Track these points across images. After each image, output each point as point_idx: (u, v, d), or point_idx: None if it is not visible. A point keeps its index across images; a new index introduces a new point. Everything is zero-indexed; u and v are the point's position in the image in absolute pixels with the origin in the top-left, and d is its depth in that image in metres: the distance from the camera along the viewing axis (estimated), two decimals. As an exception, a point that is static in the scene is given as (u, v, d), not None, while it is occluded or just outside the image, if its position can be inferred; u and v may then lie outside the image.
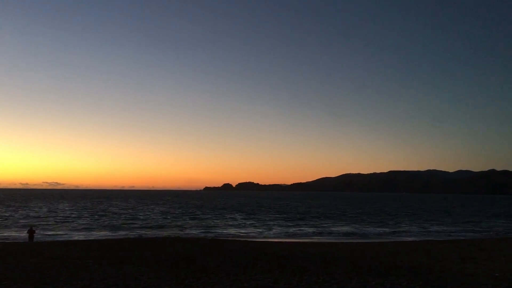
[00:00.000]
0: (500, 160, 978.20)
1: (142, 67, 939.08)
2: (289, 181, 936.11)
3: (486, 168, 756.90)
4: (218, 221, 51.03)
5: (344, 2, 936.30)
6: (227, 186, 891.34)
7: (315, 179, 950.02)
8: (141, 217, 56.28)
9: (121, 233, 37.05)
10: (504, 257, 21.24)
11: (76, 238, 33.16)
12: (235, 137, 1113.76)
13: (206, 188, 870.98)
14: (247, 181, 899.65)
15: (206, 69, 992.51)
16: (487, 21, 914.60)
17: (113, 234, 36.53)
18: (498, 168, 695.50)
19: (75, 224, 45.21)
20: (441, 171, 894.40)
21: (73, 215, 58.39)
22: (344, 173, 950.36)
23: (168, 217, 56.66)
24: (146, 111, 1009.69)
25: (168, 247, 24.18)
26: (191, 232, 38.45)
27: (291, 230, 41.68)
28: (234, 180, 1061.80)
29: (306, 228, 43.07)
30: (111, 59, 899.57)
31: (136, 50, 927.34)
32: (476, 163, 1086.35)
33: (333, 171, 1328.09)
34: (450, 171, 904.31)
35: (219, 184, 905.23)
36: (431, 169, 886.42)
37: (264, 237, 35.50)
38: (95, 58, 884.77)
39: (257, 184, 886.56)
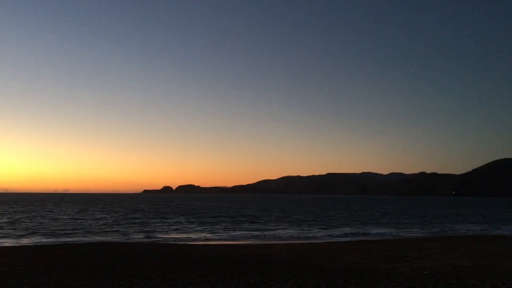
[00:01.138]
0: (429, 163, 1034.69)
1: (82, 64, 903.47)
2: (230, 184, 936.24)
3: (416, 171, 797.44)
4: (158, 224, 49.98)
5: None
6: (167, 189, 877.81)
7: (255, 181, 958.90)
8: (76, 222, 53.95)
9: (54, 239, 35.28)
10: (433, 255, 22.42)
11: (3, 245, 31.17)
12: (175, 139, 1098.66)
13: (145, 191, 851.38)
14: (188, 183, 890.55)
15: (142, 68, 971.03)
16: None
17: (45, 240, 34.69)
18: (428, 171, 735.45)
19: (2, 230, 42.52)
20: (375, 173, 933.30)
21: (0, 221, 54.94)
22: (284, 175, 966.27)
23: (106, 221, 54.70)
24: (79, 109, 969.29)
25: (102, 253, 23.33)
26: (130, 236, 37.32)
27: (233, 233, 41.59)
28: (174, 183, 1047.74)
29: (247, 232, 43.12)
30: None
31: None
32: (408, 166, 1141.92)
33: (274, 174, 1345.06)
34: (384, 173, 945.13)
35: (158, 187, 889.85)
36: (366, 171, 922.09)
37: (205, 240, 35.17)
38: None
39: (198, 186, 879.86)
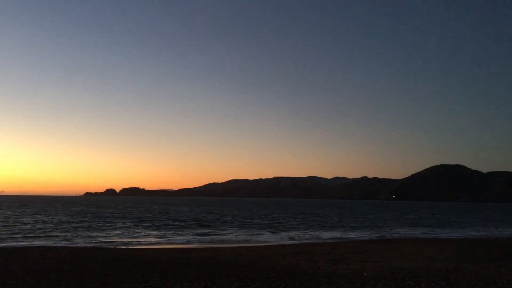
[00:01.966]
0: (371, 168, 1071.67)
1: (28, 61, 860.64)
2: (176, 187, 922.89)
3: (359, 175, 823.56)
4: (100, 228, 48.35)
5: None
6: (110, 192, 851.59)
7: (203, 184, 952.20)
8: (12, 225, 51.13)
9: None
10: (373, 257, 23.17)
11: None
12: (119, 140, 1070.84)
13: (87, 194, 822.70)
14: (132, 186, 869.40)
15: (78, 67, 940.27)
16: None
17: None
18: (370, 176, 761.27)
19: None
20: (320, 177, 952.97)
21: None
22: (231, 178, 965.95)
23: (45, 225, 52.22)
24: (15, 108, 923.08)
25: (39, 258, 22.23)
26: (70, 241, 35.84)
27: (179, 236, 40.96)
28: (118, 185, 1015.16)
29: (194, 236, 42.64)
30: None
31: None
32: (351, 171, 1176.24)
33: (221, 177, 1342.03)
34: (328, 177, 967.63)
35: (101, 189, 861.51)
36: (312, 175, 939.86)
37: (149, 244, 34.40)
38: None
39: (143, 189, 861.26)
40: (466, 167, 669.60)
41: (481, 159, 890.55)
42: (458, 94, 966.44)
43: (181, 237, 40.37)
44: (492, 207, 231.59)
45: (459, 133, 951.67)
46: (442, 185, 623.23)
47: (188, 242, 36.25)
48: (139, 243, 34.76)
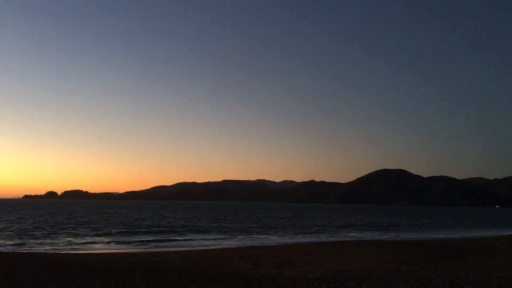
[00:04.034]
0: (318, 172, 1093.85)
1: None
2: (121, 189, 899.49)
3: (307, 178, 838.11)
4: (38, 232, 46.14)
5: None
6: (51, 194, 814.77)
7: (149, 187, 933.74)
8: None
9: None
10: (318, 260, 23.57)
11: None
12: (60, 140, 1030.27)
13: (26, 197, 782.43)
14: (75, 189, 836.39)
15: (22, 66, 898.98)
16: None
17: None
18: (317, 179, 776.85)
19: None
20: (269, 180, 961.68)
21: None
22: (179, 181, 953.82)
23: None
24: None
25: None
26: (5, 246, 33.89)
27: (124, 242, 39.78)
28: (60, 187, 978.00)
29: (140, 241, 41.59)
30: None
31: None
32: (299, 175, 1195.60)
33: (169, 180, 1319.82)
34: (277, 181, 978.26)
35: (41, 192, 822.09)
36: (261, 179, 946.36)
37: (92, 249, 33.19)
38: None
39: (86, 192, 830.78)
40: (408, 172, 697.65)
41: (422, 164, 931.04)
42: (400, 102, 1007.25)
43: (126, 242, 39.29)
44: (432, 210, 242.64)
45: (401, 139, 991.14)
46: (385, 188, 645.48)
47: (133, 247, 35.34)
48: (82, 248, 33.49)
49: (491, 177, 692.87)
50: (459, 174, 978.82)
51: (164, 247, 36.10)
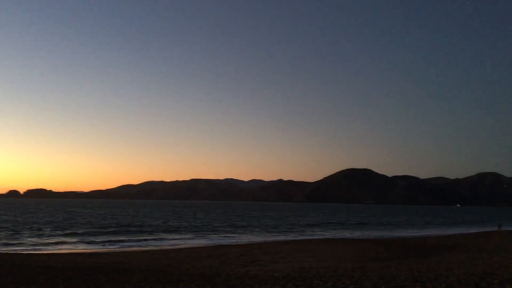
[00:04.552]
0: (287, 171, 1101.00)
1: None
2: (87, 188, 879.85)
3: (275, 178, 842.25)
4: (6, 233, 44.58)
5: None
6: (13, 193, 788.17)
7: (116, 186, 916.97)
8: None
9: None
10: (285, 258, 23.79)
11: None
12: (22, 136, 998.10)
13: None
14: (38, 187, 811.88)
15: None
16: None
17: None
18: (285, 178, 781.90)
19: None
20: (238, 180, 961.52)
21: None
22: (146, 180, 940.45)
23: None
24: None
25: None
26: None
27: (90, 242, 38.95)
28: (22, 186, 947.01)
29: (107, 241, 40.73)
30: None
31: None
32: (267, 174, 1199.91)
33: (135, 179, 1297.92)
34: (245, 180, 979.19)
35: (3, 190, 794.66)
36: (229, 178, 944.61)
37: (56, 249, 32.38)
38: None
39: (50, 191, 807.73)
40: (373, 171, 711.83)
41: (387, 163, 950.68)
42: (365, 103, 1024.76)
43: (92, 242, 38.51)
44: (396, 209, 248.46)
45: (367, 139, 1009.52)
46: (352, 187, 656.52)
47: (99, 247, 34.71)
48: (46, 249, 32.64)
49: (452, 177, 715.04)
50: (422, 173, 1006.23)
51: (130, 246, 35.62)
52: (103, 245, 35.82)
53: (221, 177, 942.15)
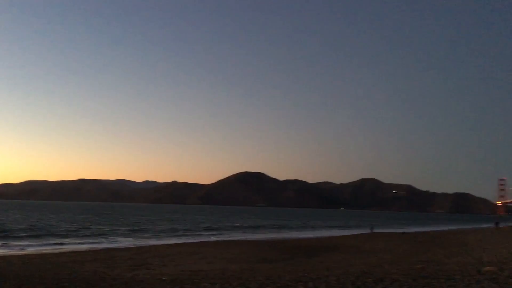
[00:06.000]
0: (181, 173, 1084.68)
1: None
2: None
3: (169, 179, 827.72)
4: None
5: None
6: None
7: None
8: None
9: None
10: (174, 261, 23.53)
11: None
12: None
13: None
14: None
15: None
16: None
17: None
18: (180, 180, 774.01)
19: None
20: (129, 180, 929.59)
21: None
22: (28, 179, 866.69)
23: None
24: None
25: None
26: None
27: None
28: None
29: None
30: None
31: None
32: (161, 175, 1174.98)
33: (16, 177, 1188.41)
34: (138, 181, 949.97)
35: None
36: (120, 178, 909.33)
37: None
38: None
39: None
40: (265, 175, 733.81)
41: (279, 167, 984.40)
42: (257, 108, 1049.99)
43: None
44: (286, 212, 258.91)
45: (261, 143, 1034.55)
46: (245, 190, 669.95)
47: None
48: None
49: (337, 182, 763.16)
50: (311, 178, 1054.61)
51: (4, 250, 32.65)
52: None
53: (112, 178, 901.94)
